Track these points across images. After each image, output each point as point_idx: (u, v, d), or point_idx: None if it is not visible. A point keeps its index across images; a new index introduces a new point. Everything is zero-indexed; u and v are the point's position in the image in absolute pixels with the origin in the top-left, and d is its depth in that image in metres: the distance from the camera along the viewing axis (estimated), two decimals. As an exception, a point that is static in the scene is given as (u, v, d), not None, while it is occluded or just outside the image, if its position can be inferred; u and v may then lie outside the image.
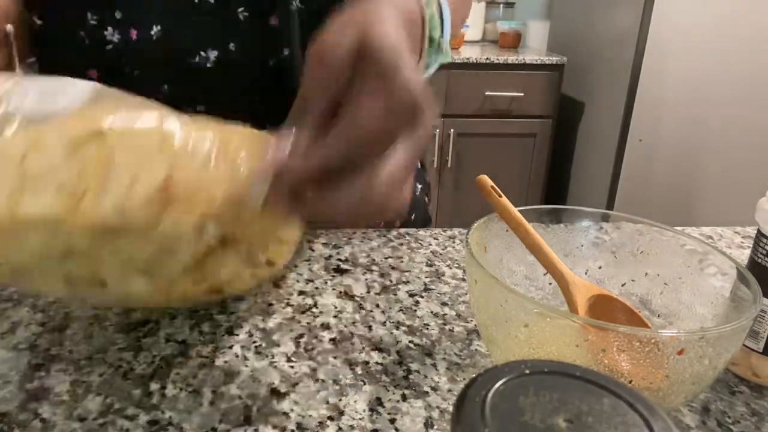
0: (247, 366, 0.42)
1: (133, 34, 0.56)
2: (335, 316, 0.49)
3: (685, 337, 0.32)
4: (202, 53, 0.56)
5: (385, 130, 0.30)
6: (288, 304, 0.50)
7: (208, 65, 0.56)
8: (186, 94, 0.57)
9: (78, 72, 0.58)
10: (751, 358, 0.42)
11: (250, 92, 0.58)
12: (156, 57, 0.56)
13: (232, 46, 0.56)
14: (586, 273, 0.47)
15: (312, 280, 0.54)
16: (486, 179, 0.44)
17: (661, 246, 0.45)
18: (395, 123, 0.30)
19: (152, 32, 0.55)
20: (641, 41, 1.94)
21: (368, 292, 0.52)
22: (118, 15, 0.56)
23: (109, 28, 0.56)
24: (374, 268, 0.57)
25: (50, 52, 0.58)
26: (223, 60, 0.56)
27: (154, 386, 0.40)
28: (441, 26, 0.44)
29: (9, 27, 0.48)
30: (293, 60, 0.57)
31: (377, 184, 0.30)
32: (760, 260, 0.41)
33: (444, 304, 0.51)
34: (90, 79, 0.58)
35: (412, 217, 0.75)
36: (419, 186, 0.77)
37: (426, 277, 0.56)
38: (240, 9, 0.55)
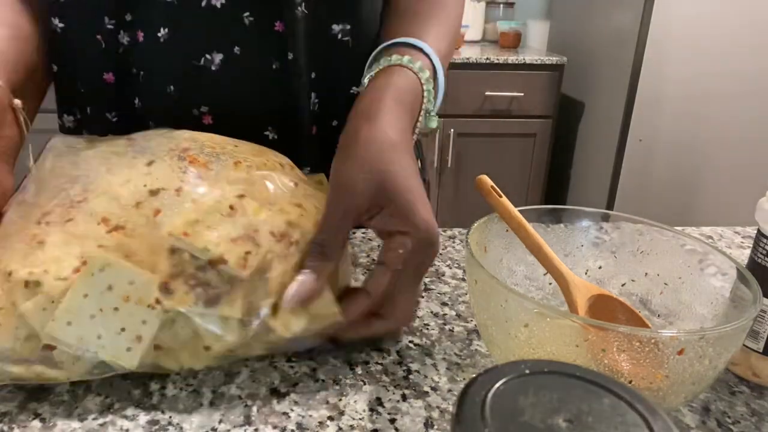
0: (247, 366, 0.42)
1: (140, 36, 0.56)
2: (335, 316, 0.48)
3: (685, 337, 0.32)
4: (208, 56, 0.56)
5: (413, 263, 0.42)
6: (288, 304, 0.50)
7: (213, 68, 0.56)
8: (191, 95, 0.57)
9: (96, 75, 0.59)
10: (751, 358, 0.42)
11: (254, 95, 0.59)
12: (162, 59, 0.57)
13: (237, 49, 0.56)
14: (586, 273, 0.47)
15: (312, 280, 0.54)
16: (486, 179, 0.44)
17: (661, 246, 0.45)
18: (418, 257, 0.41)
19: (159, 34, 0.55)
20: (641, 41, 1.94)
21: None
22: (128, 17, 0.56)
23: (122, 32, 0.57)
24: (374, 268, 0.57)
25: (68, 55, 0.59)
26: (228, 63, 0.56)
27: (154, 386, 0.40)
28: (435, 97, 0.51)
29: (17, 102, 0.50)
30: (297, 64, 0.58)
31: (406, 309, 0.44)
32: (760, 260, 0.41)
33: (444, 304, 0.51)
34: (106, 82, 0.59)
35: None
36: None
37: (426, 277, 0.56)
38: (246, 14, 0.55)
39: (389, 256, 0.42)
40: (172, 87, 0.57)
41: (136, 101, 0.59)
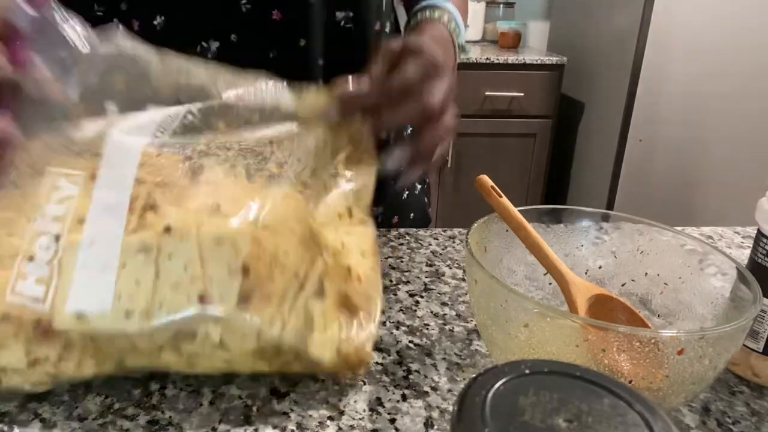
0: (247, 366, 0.42)
1: (135, 24, 0.56)
2: (335, 316, 0.48)
3: (685, 337, 0.32)
4: (204, 43, 0.56)
5: (423, 73, 0.46)
6: (288, 304, 0.50)
7: (209, 55, 0.57)
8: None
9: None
10: (751, 358, 0.42)
11: None
12: (158, 47, 0.57)
13: (233, 37, 0.56)
14: (586, 273, 0.47)
15: (312, 280, 0.54)
16: (486, 179, 0.44)
17: (661, 246, 0.45)
18: (426, 72, 0.46)
19: (155, 22, 0.56)
20: (641, 41, 1.94)
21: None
22: (123, 6, 0.56)
23: (114, 20, 0.57)
24: (374, 268, 0.57)
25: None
26: (224, 50, 0.57)
27: (154, 386, 0.40)
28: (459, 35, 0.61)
29: None
30: (311, 51, 0.58)
31: (431, 101, 0.47)
32: (760, 260, 0.41)
33: (444, 304, 0.51)
34: None
35: (411, 216, 0.75)
36: (419, 186, 0.77)
37: (426, 277, 0.56)
38: (243, 1, 0.55)
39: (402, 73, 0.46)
40: None
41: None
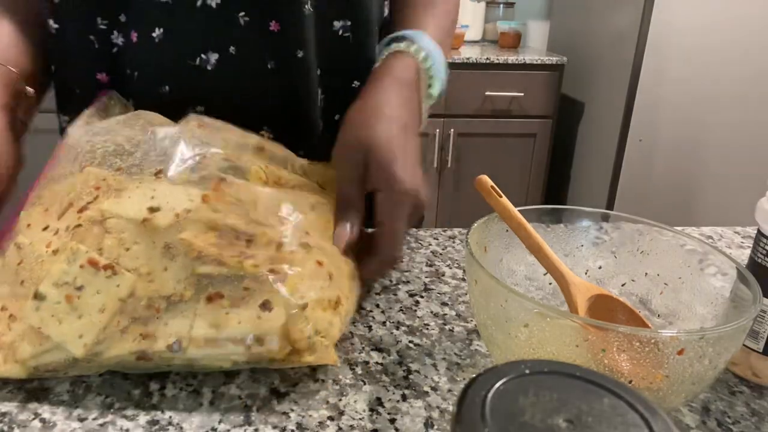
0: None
1: (134, 36, 0.56)
2: (335, 316, 0.48)
3: (685, 337, 0.32)
4: (203, 55, 0.56)
5: (398, 215, 0.46)
6: (288, 304, 0.50)
7: (209, 67, 0.56)
8: (186, 95, 0.57)
9: (89, 75, 0.59)
10: (751, 358, 0.42)
11: (250, 95, 0.59)
12: (157, 59, 0.57)
13: (232, 49, 0.56)
14: (586, 273, 0.47)
15: (312, 280, 0.54)
16: (486, 179, 0.44)
17: (661, 246, 0.45)
18: (402, 209, 0.46)
19: (154, 35, 0.55)
20: (641, 41, 1.94)
21: (368, 292, 0.52)
22: (122, 18, 0.56)
23: (115, 32, 0.57)
24: (374, 268, 0.57)
25: (63, 56, 0.59)
26: (223, 62, 0.56)
27: (154, 386, 0.40)
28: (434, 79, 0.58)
29: (30, 90, 0.51)
30: (306, 61, 0.58)
31: (396, 248, 0.46)
32: (760, 260, 0.41)
33: (444, 304, 0.51)
34: (99, 82, 0.59)
35: None
36: None
37: (426, 277, 0.56)
38: (241, 14, 0.55)
39: (377, 212, 0.46)
40: (167, 87, 0.57)
41: (130, 101, 0.59)
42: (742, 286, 0.38)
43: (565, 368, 0.22)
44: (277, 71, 0.58)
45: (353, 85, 0.63)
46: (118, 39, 0.57)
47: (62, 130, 0.64)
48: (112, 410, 0.37)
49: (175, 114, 0.58)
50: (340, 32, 0.60)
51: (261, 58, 0.57)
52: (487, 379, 0.21)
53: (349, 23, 0.60)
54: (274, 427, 0.37)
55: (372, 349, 0.44)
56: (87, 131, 0.46)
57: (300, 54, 0.58)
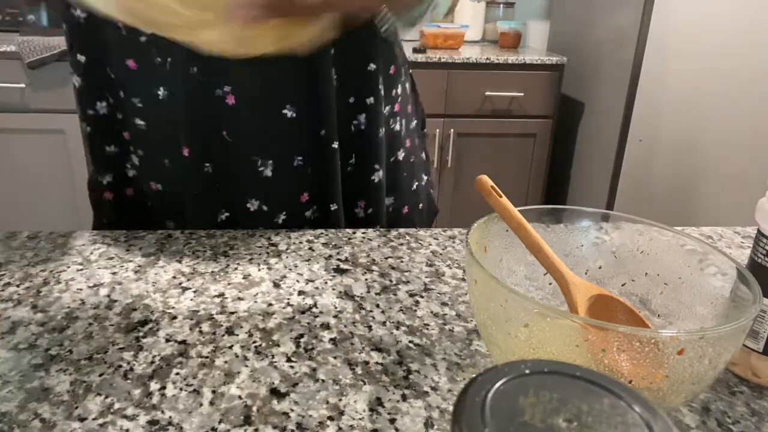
0: (247, 366, 0.42)
1: None
2: (335, 316, 0.49)
3: (685, 337, 0.32)
4: None
5: None
6: (288, 304, 0.50)
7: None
8: (213, 76, 0.59)
9: (118, 62, 0.60)
10: (751, 358, 0.42)
11: (275, 74, 0.60)
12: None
13: None
14: (586, 273, 0.47)
15: (312, 280, 0.54)
16: (486, 179, 0.44)
17: (661, 246, 0.45)
18: None
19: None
20: (641, 41, 1.94)
21: (368, 292, 0.53)
22: None
23: None
24: (374, 268, 0.57)
25: (93, 43, 0.62)
26: None
27: (154, 386, 0.40)
28: None
29: None
30: (327, 60, 0.60)
31: None
32: (760, 260, 0.41)
33: (444, 304, 0.51)
34: (128, 68, 0.61)
35: (420, 206, 0.77)
36: (425, 177, 0.78)
37: (426, 277, 0.56)
38: None
39: None
40: (195, 68, 0.59)
41: (161, 91, 0.61)
42: (742, 286, 0.38)
43: (565, 368, 0.22)
44: (303, 64, 0.60)
45: (369, 68, 0.64)
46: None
47: (94, 120, 0.66)
48: (112, 410, 0.37)
49: (203, 95, 0.59)
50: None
51: None
52: (487, 379, 0.21)
53: None
54: (274, 427, 0.37)
55: (372, 349, 0.44)
56: None
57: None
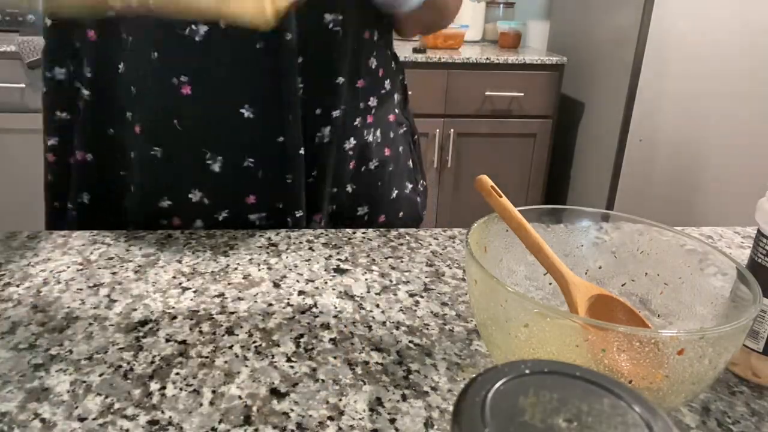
0: (247, 366, 0.42)
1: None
2: (335, 316, 0.49)
3: (685, 337, 0.32)
4: (193, 26, 0.58)
5: None
6: (288, 304, 0.50)
7: (197, 38, 0.58)
8: (173, 63, 0.60)
9: (80, 32, 0.62)
10: (751, 358, 0.42)
11: (235, 71, 0.60)
12: (149, 26, 0.59)
13: (222, 23, 0.57)
14: (586, 273, 0.47)
15: (312, 280, 0.54)
16: (486, 179, 0.44)
17: (661, 246, 0.45)
18: None
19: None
20: (641, 41, 1.94)
21: (368, 292, 0.53)
22: None
23: None
24: (374, 268, 0.57)
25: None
26: (212, 35, 0.58)
27: (154, 386, 0.40)
28: None
29: None
30: (291, 43, 0.60)
31: None
32: (760, 260, 0.41)
33: (444, 304, 0.51)
34: (89, 39, 0.62)
35: (401, 215, 0.76)
36: (409, 185, 0.78)
37: (426, 277, 0.56)
38: None
39: None
40: (155, 53, 0.59)
41: (121, 65, 0.61)
42: (742, 286, 0.38)
43: (565, 368, 0.22)
44: (263, 52, 0.60)
45: (337, 81, 0.64)
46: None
47: (52, 83, 0.66)
48: (112, 410, 0.37)
49: (159, 79, 0.59)
50: (331, 26, 0.61)
51: (251, 36, 0.59)
52: (487, 379, 0.21)
53: (340, 17, 0.61)
54: (274, 427, 0.37)
55: (372, 349, 0.44)
56: None
57: (288, 37, 0.59)
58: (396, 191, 0.75)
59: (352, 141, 0.68)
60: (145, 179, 0.65)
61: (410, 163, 0.79)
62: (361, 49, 0.65)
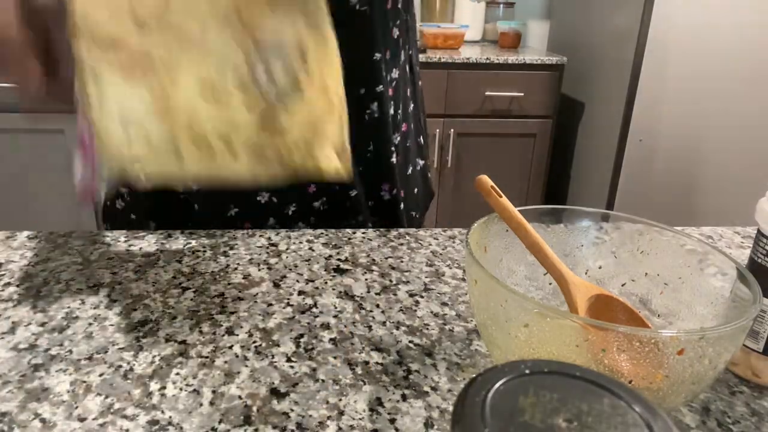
0: (247, 366, 0.42)
1: None
2: (335, 316, 0.49)
3: (685, 337, 0.32)
4: None
5: None
6: (288, 304, 0.50)
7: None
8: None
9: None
10: (751, 358, 0.42)
11: None
12: None
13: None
14: (586, 273, 0.47)
15: (312, 280, 0.54)
16: (486, 179, 0.44)
17: (661, 246, 0.45)
18: None
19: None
20: (641, 41, 1.94)
21: (368, 292, 0.53)
22: None
23: None
24: (374, 268, 0.57)
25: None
26: None
27: (154, 386, 0.40)
28: None
29: None
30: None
31: None
32: (760, 260, 0.41)
33: (444, 304, 0.51)
34: None
35: (416, 191, 0.77)
36: (420, 162, 0.79)
37: (426, 277, 0.56)
38: None
39: None
40: None
41: None
42: (742, 286, 0.38)
43: (565, 368, 0.22)
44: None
45: (374, 57, 0.65)
46: None
47: None
48: (112, 410, 0.37)
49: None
50: (357, 6, 0.62)
51: None
52: (487, 379, 0.21)
53: None
54: (274, 427, 0.37)
55: (372, 349, 0.44)
56: None
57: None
58: (411, 167, 0.77)
59: (391, 112, 0.70)
60: (211, 191, 0.66)
61: (421, 138, 0.80)
62: (387, 20, 0.66)
